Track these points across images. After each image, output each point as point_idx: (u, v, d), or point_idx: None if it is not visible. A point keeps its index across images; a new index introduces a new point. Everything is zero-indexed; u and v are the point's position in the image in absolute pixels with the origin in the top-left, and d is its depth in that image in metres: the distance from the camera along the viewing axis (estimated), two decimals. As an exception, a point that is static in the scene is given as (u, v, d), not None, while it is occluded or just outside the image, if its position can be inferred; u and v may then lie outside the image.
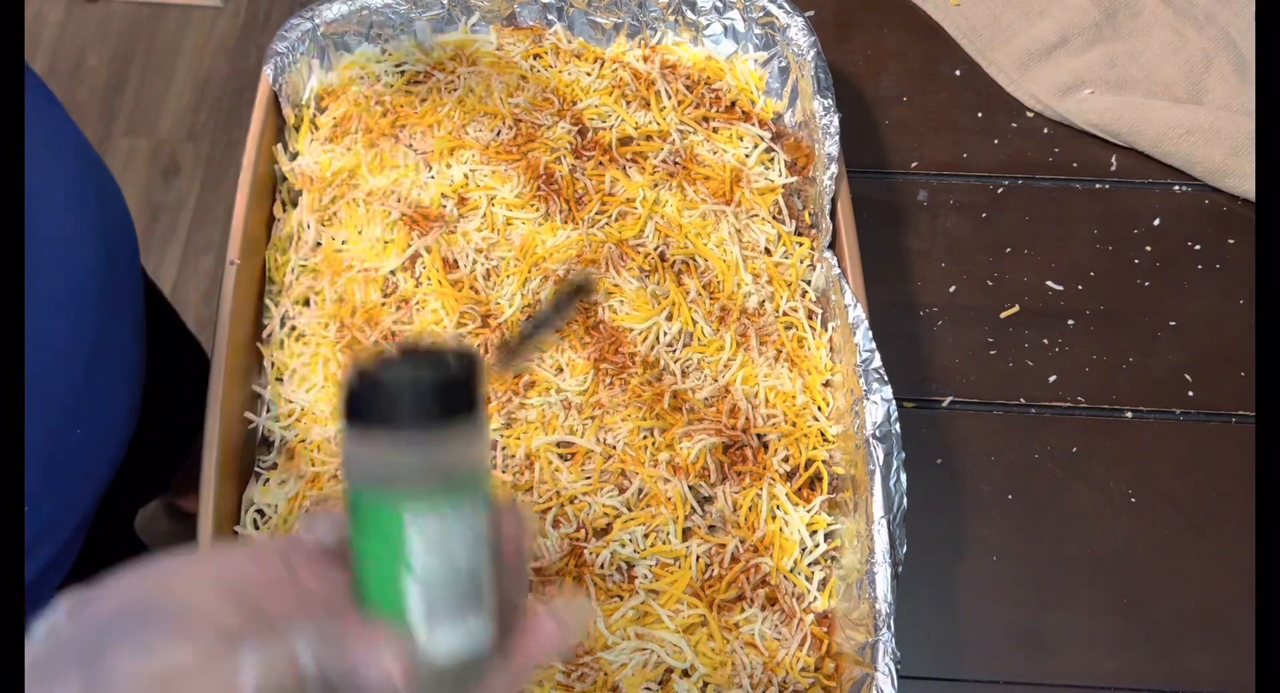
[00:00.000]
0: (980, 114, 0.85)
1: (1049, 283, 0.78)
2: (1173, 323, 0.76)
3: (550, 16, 0.79)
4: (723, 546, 0.62)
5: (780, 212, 0.73)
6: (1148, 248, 0.79)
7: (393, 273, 0.70)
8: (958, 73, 0.87)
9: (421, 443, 0.31)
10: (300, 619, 0.32)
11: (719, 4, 0.78)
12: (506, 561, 0.35)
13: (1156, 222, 0.80)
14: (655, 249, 0.71)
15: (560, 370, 0.67)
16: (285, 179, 0.75)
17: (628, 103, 0.76)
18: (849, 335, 0.64)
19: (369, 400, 0.31)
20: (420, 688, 0.32)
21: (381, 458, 0.31)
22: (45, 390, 0.54)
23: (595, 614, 0.59)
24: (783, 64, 0.77)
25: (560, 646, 0.36)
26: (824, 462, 0.65)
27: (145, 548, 0.89)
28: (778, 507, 0.64)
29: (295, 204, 0.75)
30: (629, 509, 0.63)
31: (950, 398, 0.74)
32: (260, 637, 0.31)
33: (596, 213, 0.72)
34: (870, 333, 0.63)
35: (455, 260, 0.71)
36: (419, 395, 0.31)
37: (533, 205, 0.72)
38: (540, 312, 0.37)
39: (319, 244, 0.73)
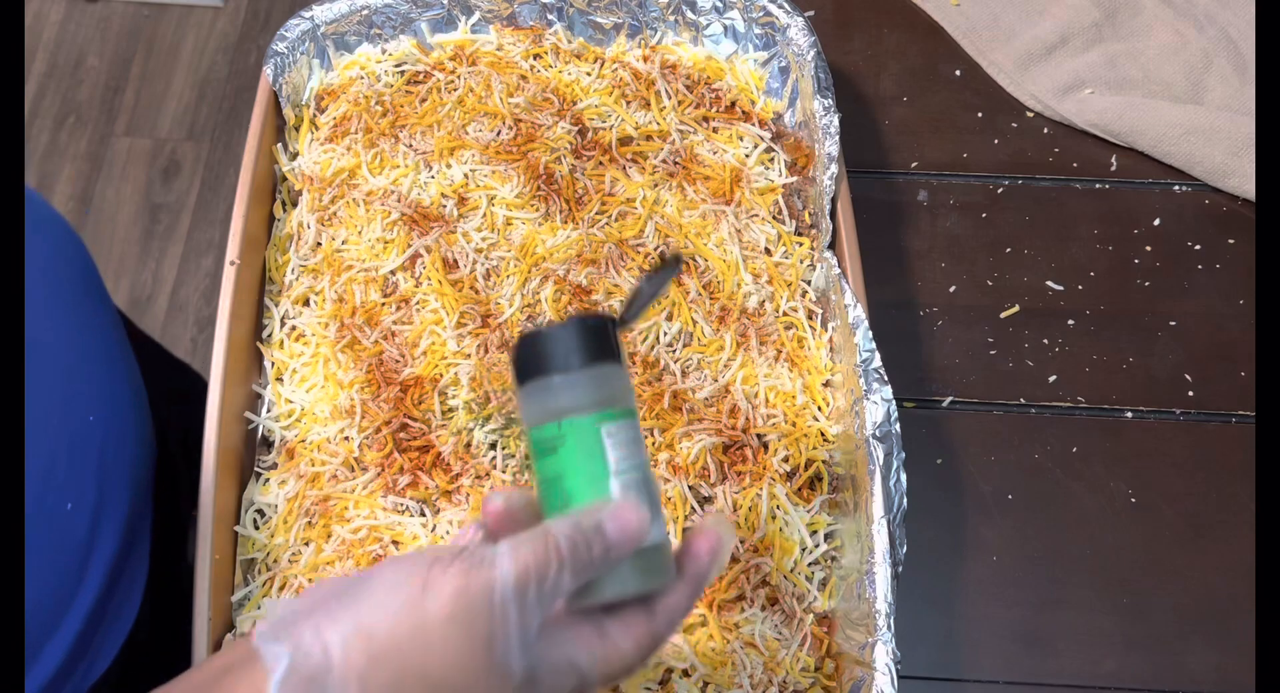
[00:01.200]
0: (980, 114, 0.85)
1: (1049, 283, 0.78)
2: (1173, 323, 0.76)
3: (550, 16, 0.79)
4: (723, 546, 0.62)
5: (780, 211, 0.73)
6: (1148, 248, 0.79)
7: (393, 273, 0.70)
8: (958, 73, 0.87)
9: (609, 374, 0.42)
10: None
11: (719, 4, 0.78)
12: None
13: (1156, 222, 0.80)
14: (655, 249, 0.71)
15: (560, 370, 0.67)
16: (285, 179, 0.75)
17: (628, 103, 0.76)
18: (849, 335, 0.64)
19: (562, 351, 0.41)
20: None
21: (583, 388, 0.41)
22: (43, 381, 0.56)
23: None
24: (783, 64, 0.77)
25: (721, 551, 0.43)
26: (824, 462, 0.65)
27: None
28: (778, 507, 0.64)
29: (295, 204, 0.75)
30: (629, 509, 0.63)
31: (950, 398, 0.74)
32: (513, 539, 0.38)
33: (596, 213, 0.72)
34: (870, 333, 0.63)
35: (455, 260, 0.71)
36: (587, 344, 0.42)
37: (533, 205, 0.72)
38: (641, 289, 0.45)
39: (319, 244, 0.73)
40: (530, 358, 0.42)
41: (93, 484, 0.58)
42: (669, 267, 0.47)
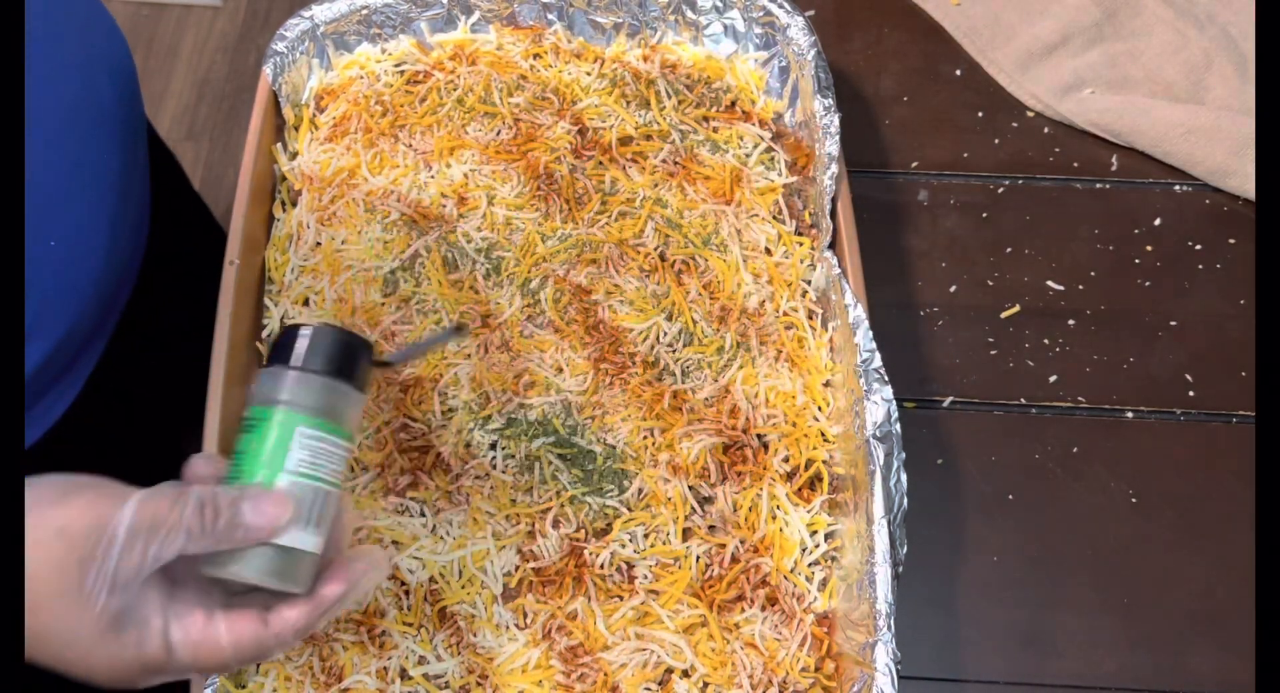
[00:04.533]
0: (981, 114, 0.85)
1: (1049, 283, 0.78)
2: (1173, 323, 0.76)
3: (550, 16, 0.79)
4: (723, 546, 0.62)
5: (780, 211, 0.73)
6: (1148, 248, 0.79)
7: (392, 273, 0.70)
8: (958, 72, 0.87)
9: (337, 390, 0.45)
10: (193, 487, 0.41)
11: (719, 3, 0.78)
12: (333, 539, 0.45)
13: (1157, 221, 0.80)
14: (655, 249, 0.71)
15: (560, 370, 0.67)
16: (285, 179, 0.75)
17: (628, 102, 0.76)
18: (849, 335, 0.64)
19: (305, 349, 0.45)
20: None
21: (302, 389, 0.44)
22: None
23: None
24: (783, 64, 0.77)
25: (360, 585, 0.44)
26: (824, 462, 0.65)
27: None
28: (778, 507, 0.64)
29: (295, 204, 0.75)
30: (629, 509, 0.63)
31: (951, 398, 0.74)
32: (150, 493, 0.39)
33: (596, 213, 0.72)
34: (870, 333, 0.63)
35: (455, 260, 0.71)
36: (333, 357, 0.45)
37: (533, 205, 0.72)
38: (418, 342, 0.48)
39: (318, 244, 0.73)
40: (282, 344, 0.45)
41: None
42: (454, 332, 0.54)
